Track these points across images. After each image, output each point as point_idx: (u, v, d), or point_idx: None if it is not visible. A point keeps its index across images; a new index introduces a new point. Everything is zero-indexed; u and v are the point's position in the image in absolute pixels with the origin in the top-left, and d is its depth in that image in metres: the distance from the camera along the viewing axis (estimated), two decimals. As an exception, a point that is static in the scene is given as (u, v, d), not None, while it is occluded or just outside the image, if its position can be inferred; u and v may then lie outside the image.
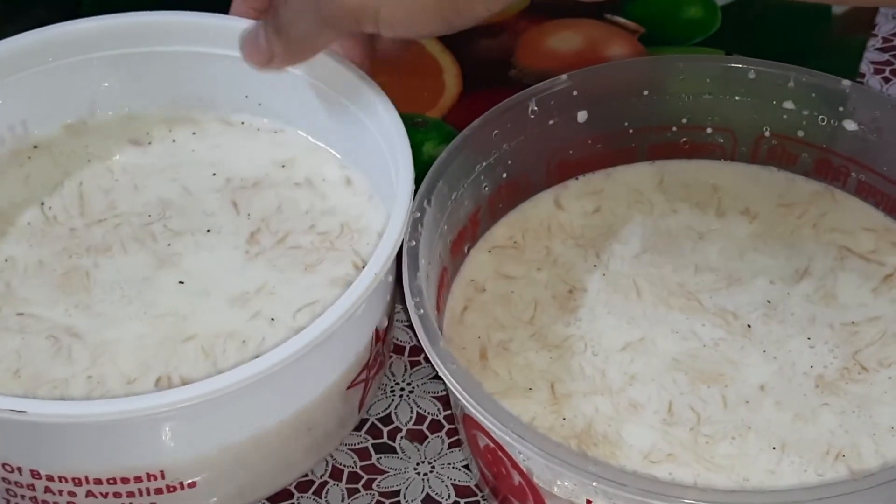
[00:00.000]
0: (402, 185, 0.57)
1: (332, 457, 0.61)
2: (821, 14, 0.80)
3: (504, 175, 0.63)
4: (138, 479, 0.54)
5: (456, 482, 0.61)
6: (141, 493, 0.54)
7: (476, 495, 0.60)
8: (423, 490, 0.60)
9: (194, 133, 0.66)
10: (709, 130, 0.66)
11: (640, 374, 0.58)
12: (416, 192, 0.58)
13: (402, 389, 0.64)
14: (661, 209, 0.65)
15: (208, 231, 0.62)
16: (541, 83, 0.63)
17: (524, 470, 0.53)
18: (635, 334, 0.59)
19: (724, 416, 0.56)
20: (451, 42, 0.79)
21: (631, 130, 0.65)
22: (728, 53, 0.77)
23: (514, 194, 0.64)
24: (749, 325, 0.59)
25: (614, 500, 0.50)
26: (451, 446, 0.62)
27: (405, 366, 0.65)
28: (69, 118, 0.66)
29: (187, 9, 0.65)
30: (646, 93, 0.65)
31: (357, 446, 0.62)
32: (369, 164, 0.62)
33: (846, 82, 0.63)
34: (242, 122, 0.66)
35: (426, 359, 0.64)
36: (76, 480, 0.53)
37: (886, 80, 0.79)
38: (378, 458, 0.62)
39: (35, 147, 0.66)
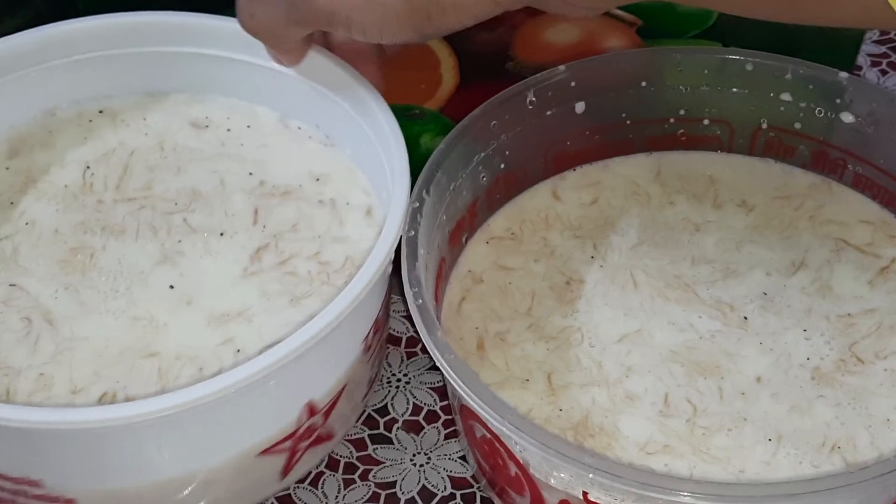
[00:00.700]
0: (389, 229, 0.56)
1: (328, 447, 0.61)
2: (818, 6, 0.80)
3: (502, 166, 0.63)
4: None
5: (452, 473, 0.61)
6: None
7: (472, 486, 0.60)
8: (419, 481, 0.61)
9: (249, 126, 0.66)
10: (706, 122, 0.66)
11: (637, 366, 0.58)
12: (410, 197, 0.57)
13: (399, 380, 0.64)
14: (658, 201, 0.65)
15: (221, 234, 0.61)
16: (539, 74, 0.63)
17: (521, 461, 0.53)
18: (632, 326, 0.59)
19: (721, 408, 0.56)
20: (449, 34, 0.79)
21: (628, 122, 0.65)
22: (725, 46, 0.77)
23: (511, 185, 0.64)
24: (745, 317, 0.59)
25: (610, 492, 0.51)
26: (447, 437, 0.62)
27: (402, 357, 0.65)
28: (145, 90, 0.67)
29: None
30: (643, 84, 0.65)
31: (354, 437, 0.62)
32: (386, 199, 0.61)
33: (843, 75, 0.63)
34: (299, 128, 0.65)
35: (423, 350, 0.65)
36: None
37: (883, 72, 0.79)
38: (374, 449, 0.62)
39: (100, 112, 0.66)
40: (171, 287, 0.59)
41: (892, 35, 0.81)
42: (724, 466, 0.54)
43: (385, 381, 0.64)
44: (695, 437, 0.55)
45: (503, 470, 0.55)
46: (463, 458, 0.61)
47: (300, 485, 0.60)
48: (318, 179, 0.63)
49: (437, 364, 0.52)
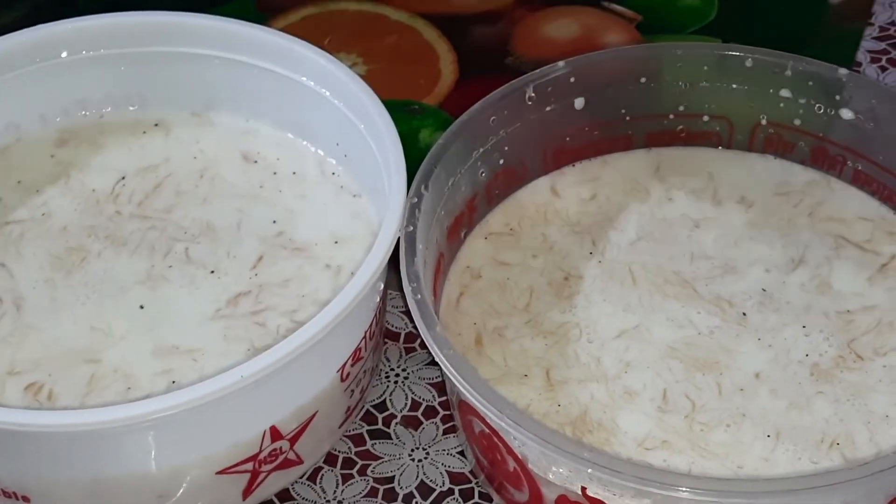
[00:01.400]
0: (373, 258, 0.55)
1: (326, 442, 0.61)
2: (818, 2, 0.80)
3: (501, 161, 0.63)
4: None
5: (451, 468, 0.61)
6: None
7: (471, 482, 0.60)
8: (417, 476, 0.60)
9: (294, 173, 0.65)
10: (705, 118, 0.66)
11: (636, 362, 0.58)
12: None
13: (398, 376, 0.64)
14: (657, 197, 0.65)
15: (212, 272, 0.61)
16: (538, 70, 0.63)
17: (519, 456, 0.53)
18: (631, 322, 0.59)
19: (719, 404, 0.56)
20: (448, 29, 0.79)
21: (628, 118, 0.65)
22: (725, 42, 0.77)
23: (510, 181, 0.64)
24: (744, 314, 0.59)
25: (609, 487, 0.51)
26: (445, 433, 0.62)
27: (400, 352, 0.65)
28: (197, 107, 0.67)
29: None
30: (643, 80, 0.65)
31: (352, 432, 0.62)
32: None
33: (843, 71, 0.63)
34: (333, 173, 0.65)
35: (421, 345, 0.65)
36: None
37: (883, 69, 0.79)
38: (373, 444, 0.62)
39: (156, 125, 0.66)
40: (141, 307, 0.59)
41: (892, 31, 0.81)
42: (722, 462, 0.54)
43: (384, 376, 0.64)
44: (693, 432, 0.55)
45: (502, 465, 0.55)
46: (461, 453, 0.61)
47: (298, 480, 0.60)
48: (336, 242, 0.62)
49: (436, 359, 0.52)
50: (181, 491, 0.55)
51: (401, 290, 0.55)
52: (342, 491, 0.60)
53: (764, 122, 0.65)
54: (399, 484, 0.60)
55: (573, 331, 0.59)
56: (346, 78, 0.62)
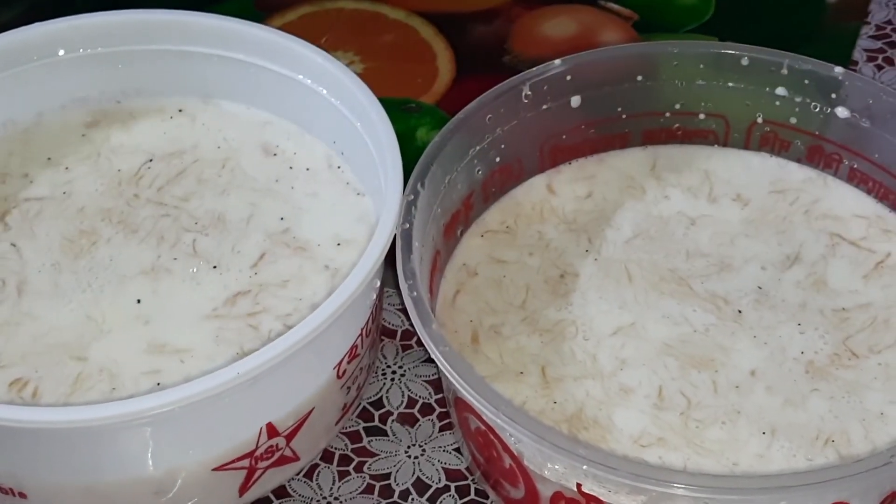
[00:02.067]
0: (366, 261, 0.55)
1: (323, 439, 0.61)
2: (814, 1, 0.81)
3: (497, 159, 0.63)
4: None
5: (447, 465, 0.61)
6: None
7: (467, 478, 0.60)
8: (413, 473, 0.61)
9: (308, 169, 0.65)
10: (702, 116, 0.66)
11: (631, 359, 0.58)
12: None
13: (394, 373, 0.64)
14: (653, 195, 0.65)
15: (214, 267, 0.61)
16: (535, 68, 0.63)
17: (515, 453, 0.53)
18: (626, 319, 0.59)
19: (715, 401, 0.56)
20: (445, 28, 0.79)
21: (624, 116, 0.65)
22: (721, 40, 0.77)
23: (507, 178, 0.64)
24: (740, 311, 0.59)
25: (604, 484, 0.51)
26: (441, 429, 0.62)
27: (397, 349, 0.65)
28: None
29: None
30: (639, 78, 0.65)
31: (348, 429, 0.62)
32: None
33: (839, 70, 0.63)
34: (339, 167, 0.65)
35: (418, 342, 0.65)
36: None
37: (879, 67, 0.79)
38: (369, 441, 0.62)
39: (180, 110, 0.67)
40: (139, 301, 0.59)
41: (888, 30, 0.81)
42: (717, 459, 0.54)
43: (380, 373, 0.64)
44: (689, 429, 0.55)
45: (497, 462, 0.55)
46: (457, 450, 0.61)
47: (294, 477, 0.60)
48: (338, 244, 0.62)
49: (432, 356, 0.52)
50: (177, 487, 0.55)
51: (397, 287, 0.55)
52: (338, 488, 0.60)
53: (760, 120, 0.65)
54: (395, 481, 0.60)
55: (569, 328, 0.59)
56: (344, 76, 0.62)
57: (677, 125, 0.66)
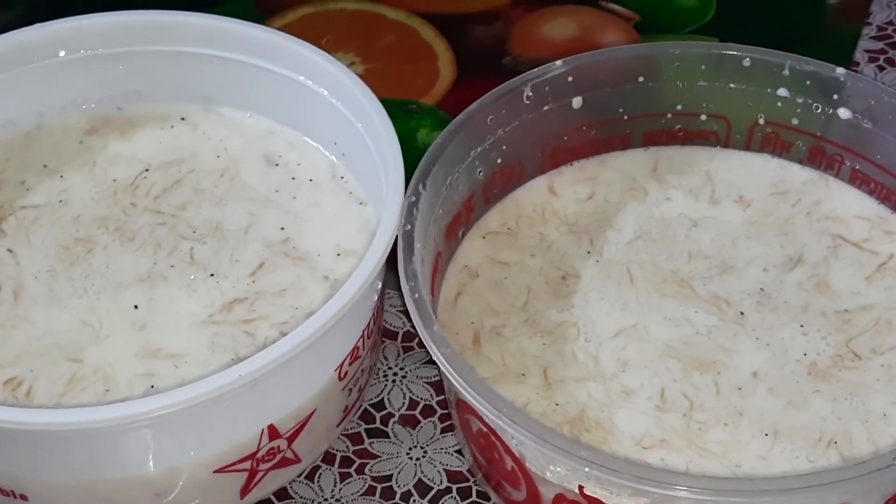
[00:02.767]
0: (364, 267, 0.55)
1: (324, 441, 0.61)
2: (815, 2, 0.80)
3: (499, 160, 0.63)
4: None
5: (448, 467, 0.61)
6: None
7: (468, 480, 0.60)
8: (415, 475, 0.61)
9: (311, 180, 0.64)
10: (703, 117, 0.66)
11: (633, 361, 0.58)
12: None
13: (396, 375, 0.64)
14: (654, 196, 0.65)
15: (211, 275, 0.60)
16: (536, 69, 0.63)
17: (517, 455, 0.53)
18: (628, 321, 0.59)
19: (717, 403, 0.56)
20: (446, 29, 0.79)
21: (625, 117, 0.65)
22: (723, 41, 0.77)
23: (508, 180, 0.64)
24: (742, 313, 0.59)
25: (606, 486, 0.51)
26: (443, 431, 0.62)
27: (398, 351, 0.65)
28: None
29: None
30: (641, 80, 0.65)
31: (350, 431, 0.62)
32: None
33: (841, 70, 0.63)
34: (342, 178, 0.65)
35: (419, 344, 0.65)
36: None
37: (881, 68, 0.79)
38: (370, 443, 0.62)
39: (182, 119, 0.67)
40: (136, 307, 0.59)
41: (889, 31, 0.81)
42: (720, 461, 0.54)
43: (381, 375, 0.64)
44: (691, 431, 0.55)
45: (499, 464, 0.55)
46: (459, 451, 0.61)
47: (296, 479, 0.60)
48: (339, 255, 0.61)
49: (434, 358, 0.52)
50: (178, 489, 0.55)
51: (399, 288, 0.55)
52: (340, 489, 0.60)
53: (762, 121, 0.65)
54: (397, 482, 0.60)
55: (571, 330, 0.59)
56: (344, 77, 0.62)
57: (679, 126, 0.66)
